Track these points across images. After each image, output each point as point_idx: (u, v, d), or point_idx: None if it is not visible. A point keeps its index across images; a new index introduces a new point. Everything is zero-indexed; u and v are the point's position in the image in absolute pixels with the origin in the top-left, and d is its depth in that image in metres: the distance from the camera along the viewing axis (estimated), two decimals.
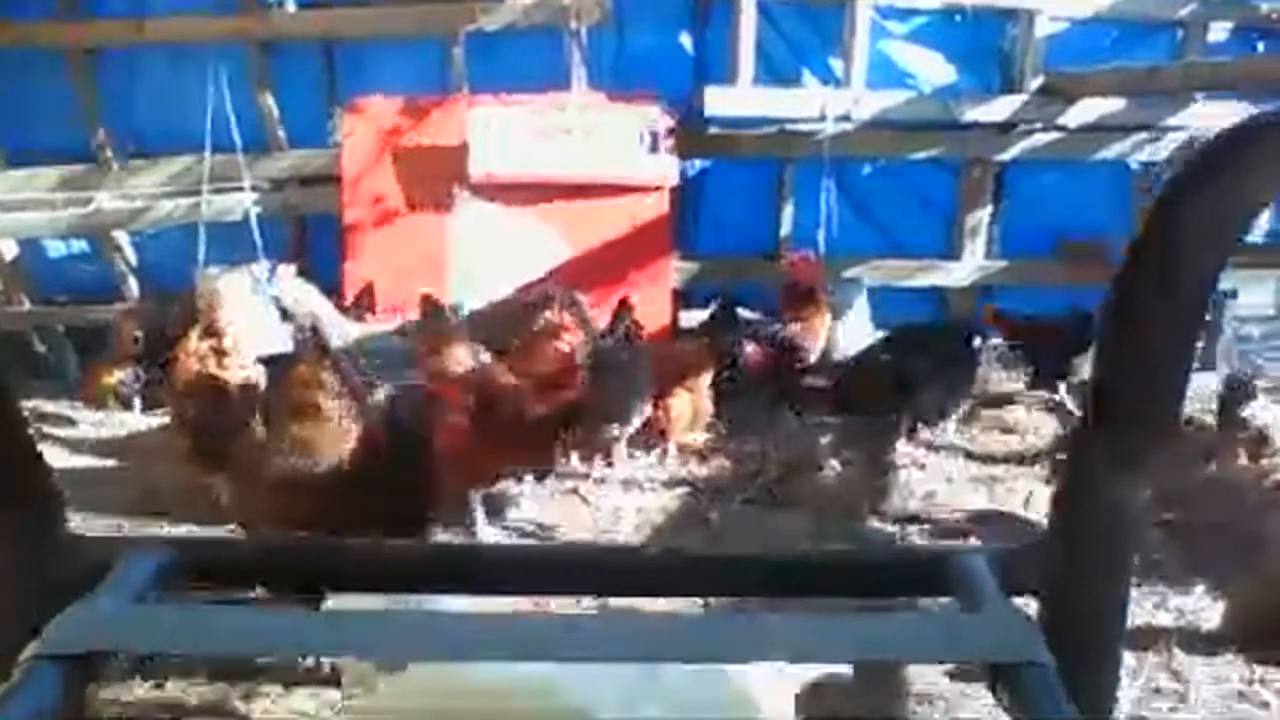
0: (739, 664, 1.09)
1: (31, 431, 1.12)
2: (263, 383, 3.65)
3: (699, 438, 3.75)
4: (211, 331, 3.51)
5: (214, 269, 4.49)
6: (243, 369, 3.56)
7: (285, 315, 4.52)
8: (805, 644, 1.01)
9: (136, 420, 4.27)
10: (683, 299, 4.71)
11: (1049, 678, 0.88)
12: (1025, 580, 1.06)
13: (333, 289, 4.53)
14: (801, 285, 4.16)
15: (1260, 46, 4.91)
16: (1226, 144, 0.88)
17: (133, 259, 4.95)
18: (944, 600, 1.10)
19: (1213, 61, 4.72)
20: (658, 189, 4.58)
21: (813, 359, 4.03)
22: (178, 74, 4.72)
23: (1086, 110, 4.63)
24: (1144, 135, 4.67)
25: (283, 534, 2.77)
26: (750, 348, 3.98)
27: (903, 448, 3.75)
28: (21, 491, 1.19)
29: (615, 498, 3.46)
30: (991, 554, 1.09)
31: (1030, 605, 1.02)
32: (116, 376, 4.40)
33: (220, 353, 3.50)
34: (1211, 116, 4.41)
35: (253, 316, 4.25)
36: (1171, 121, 4.64)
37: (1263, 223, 4.85)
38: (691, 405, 3.55)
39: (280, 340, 4.37)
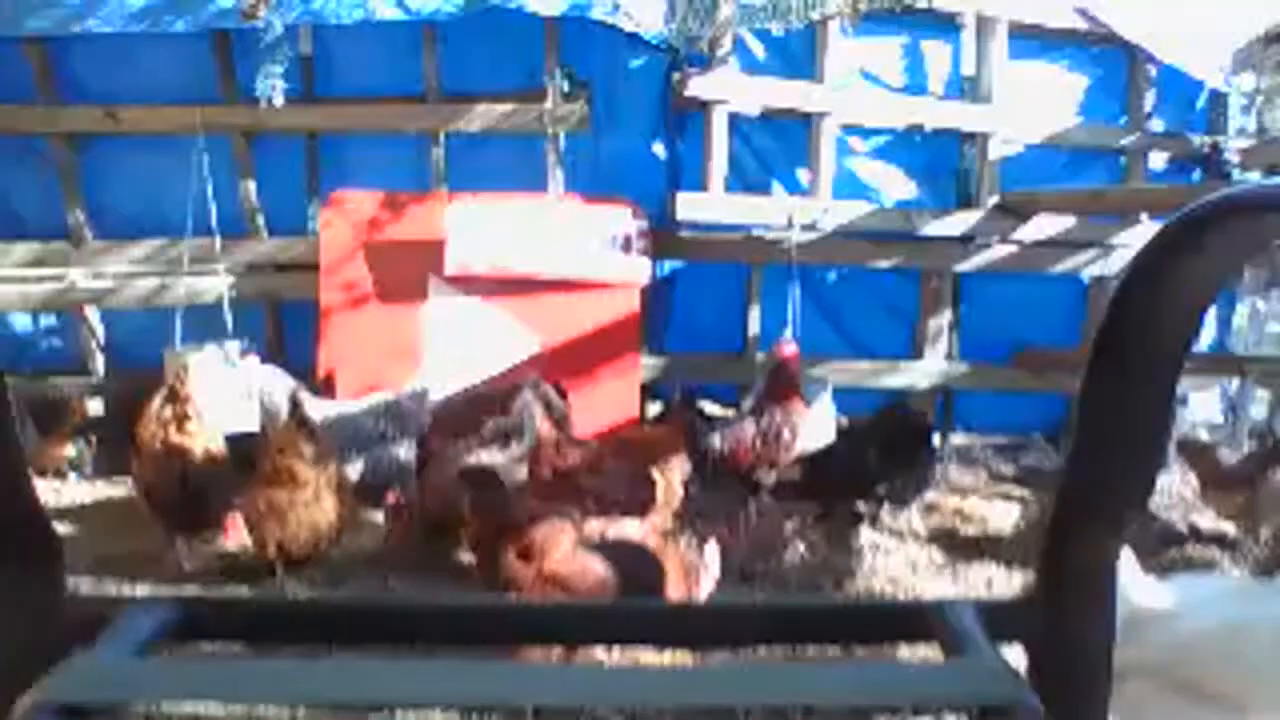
0: (738, 706, 1.10)
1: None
2: (225, 454, 3.65)
3: (666, 521, 3.75)
4: (175, 398, 3.54)
5: (183, 347, 4.51)
6: (206, 439, 3.56)
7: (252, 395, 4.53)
8: (799, 688, 1.06)
9: (93, 489, 4.20)
10: (649, 393, 4.77)
11: None
12: (1011, 629, 1.09)
13: (306, 372, 4.54)
14: (787, 373, 4.22)
15: (1195, 175, 5.23)
16: (1183, 227, 0.92)
17: (102, 336, 4.93)
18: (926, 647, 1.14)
19: (1153, 187, 5.04)
20: (629, 287, 4.70)
21: (795, 449, 4.08)
22: (160, 157, 4.76)
23: (1040, 227, 4.88)
24: (1094, 251, 4.91)
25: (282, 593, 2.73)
26: (733, 437, 4.02)
27: (867, 534, 3.79)
28: (24, 546, 1.21)
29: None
30: (977, 604, 1.13)
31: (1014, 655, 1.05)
32: (69, 450, 4.37)
33: (183, 418, 3.51)
34: None
35: (221, 394, 4.25)
36: (1120, 239, 4.89)
37: (1208, 336, 5.09)
38: (664, 487, 3.57)
39: (248, 419, 4.36)
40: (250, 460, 3.50)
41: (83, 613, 1.32)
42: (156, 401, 3.58)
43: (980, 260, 4.91)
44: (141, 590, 3.23)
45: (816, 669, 1.12)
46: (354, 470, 3.83)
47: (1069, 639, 1.09)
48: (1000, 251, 4.90)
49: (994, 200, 4.92)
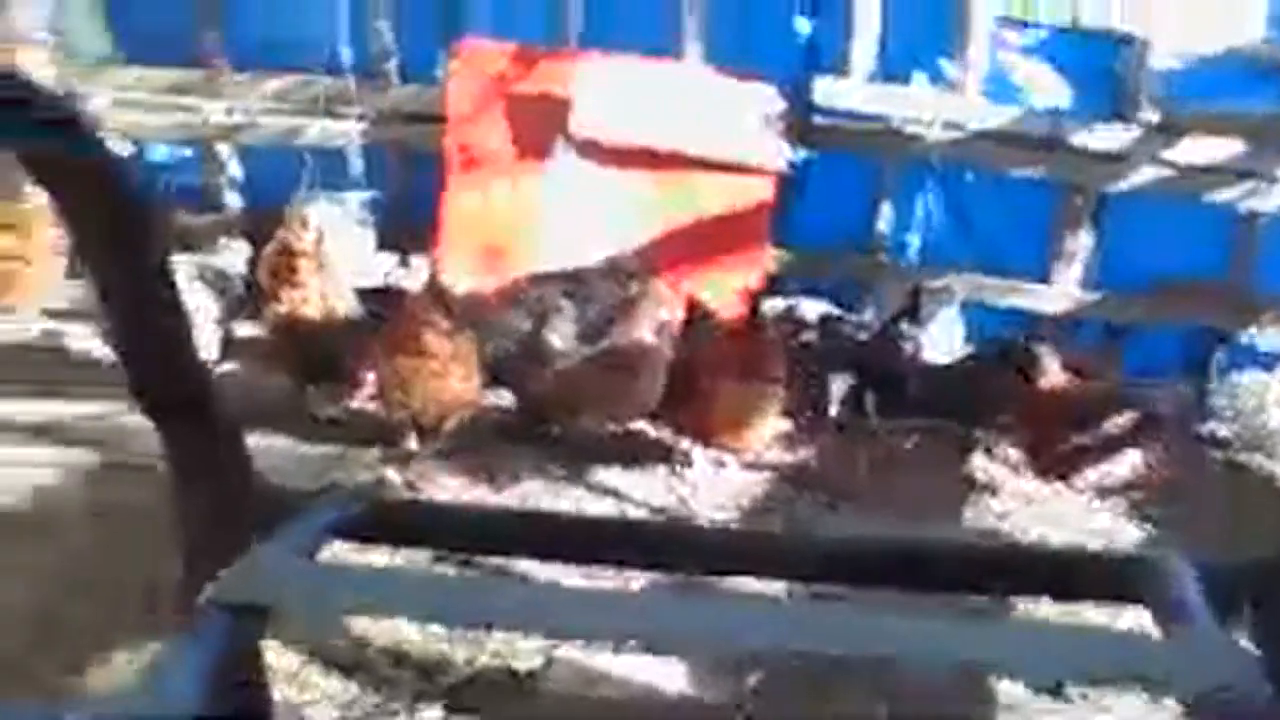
0: (930, 668, 1.02)
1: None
2: (352, 310, 3.72)
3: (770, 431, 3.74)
4: (288, 251, 3.57)
5: (310, 194, 4.56)
6: (326, 294, 3.62)
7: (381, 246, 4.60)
8: (984, 651, 0.98)
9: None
10: (770, 287, 4.70)
11: (1267, 714, 0.78)
12: (1238, 598, 0.97)
13: (428, 230, 4.56)
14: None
15: None
16: None
17: (234, 173, 5.01)
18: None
19: None
20: (765, 174, 4.57)
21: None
22: None
23: (1199, 150, 4.58)
24: (1254, 183, 4.62)
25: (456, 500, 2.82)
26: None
27: (979, 462, 3.77)
28: (210, 438, 1.24)
29: (697, 473, 3.51)
30: (1199, 563, 1.00)
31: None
32: None
33: (294, 272, 3.56)
34: None
35: (347, 245, 4.32)
36: None
37: None
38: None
39: (374, 273, 4.44)
40: (385, 318, 3.53)
41: (265, 502, 1.39)
42: (271, 251, 3.63)
43: (1131, 181, 4.65)
44: (269, 440, 3.37)
45: (1006, 631, 1.05)
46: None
47: None
48: (1153, 173, 4.62)
49: (1153, 116, 4.63)
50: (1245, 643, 0.88)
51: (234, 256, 4.43)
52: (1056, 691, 2.26)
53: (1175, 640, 0.90)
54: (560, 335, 3.92)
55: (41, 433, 3.34)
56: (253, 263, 4.08)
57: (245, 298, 4.23)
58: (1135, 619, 0.94)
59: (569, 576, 2.18)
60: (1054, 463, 3.57)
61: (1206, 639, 0.88)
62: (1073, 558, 1.30)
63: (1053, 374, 3.60)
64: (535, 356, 3.78)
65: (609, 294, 4.22)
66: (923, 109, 4.61)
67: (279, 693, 2.06)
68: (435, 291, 3.37)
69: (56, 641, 2.23)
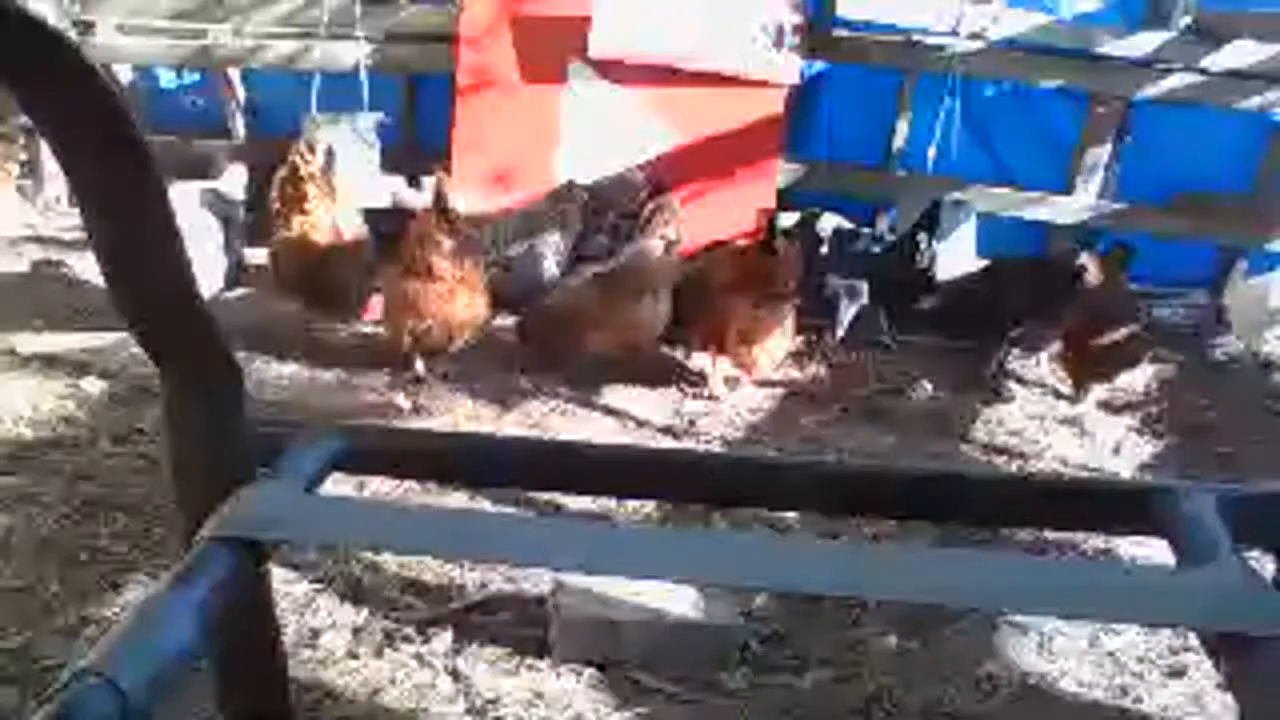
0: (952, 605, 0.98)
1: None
2: (361, 235, 3.69)
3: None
4: (296, 177, 3.53)
5: (320, 115, 4.51)
6: (335, 219, 3.57)
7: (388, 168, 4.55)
8: (991, 587, 0.95)
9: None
10: (785, 200, 4.62)
11: None
12: (1263, 533, 0.94)
13: (438, 154, 4.50)
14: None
15: None
16: None
17: (243, 97, 4.95)
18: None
19: None
20: (777, 86, 4.47)
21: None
22: None
23: (1236, 54, 4.40)
24: None
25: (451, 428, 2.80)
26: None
27: (992, 379, 3.73)
28: (207, 371, 1.22)
29: (708, 392, 3.50)
30: (1222, 496, 0.96)
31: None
32: None
33: (303, 198, 3.52)
34: None
35: (354, 167, 4.26)
36: None
37: None
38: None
39: (380, 193, 4.40)
40: (393, 240, 3.50)
41: (261, 437, 1.38)
42: (279, 177, 3.58)
43: (1161, 88, 4.49)
44: (278, 369, 3.38)
45: (1017, 566, 1.00)
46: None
47: None
48: (1184, 79, 4.46)
49: (1187, 19, 4.45)
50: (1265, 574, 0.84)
51: (240, 181, 4.40)
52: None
53: (1194, 573, 0.88)
54: (551, 257, 3.87)
55: (54, 362, 3.37)
56: (258, 188, 4.03)
57: (250, 223, 4.21)
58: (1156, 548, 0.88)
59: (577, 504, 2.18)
60: (1090, 364, 3.54)
61: (1230, 575, 0.85)
62: (1092, 488, 1.26)
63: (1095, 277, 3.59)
64: (530, 279, 3.74)
65: (619, 209, 4.18)
66: (949, 18, 4.46)
67: (290, 622, 2.09)
68: (440, 213, 3.33)
69: (77, 568, 2.26)
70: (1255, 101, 4.40)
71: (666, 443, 3.11)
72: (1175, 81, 4.46)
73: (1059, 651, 2.17)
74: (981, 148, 4.74)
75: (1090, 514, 1.11)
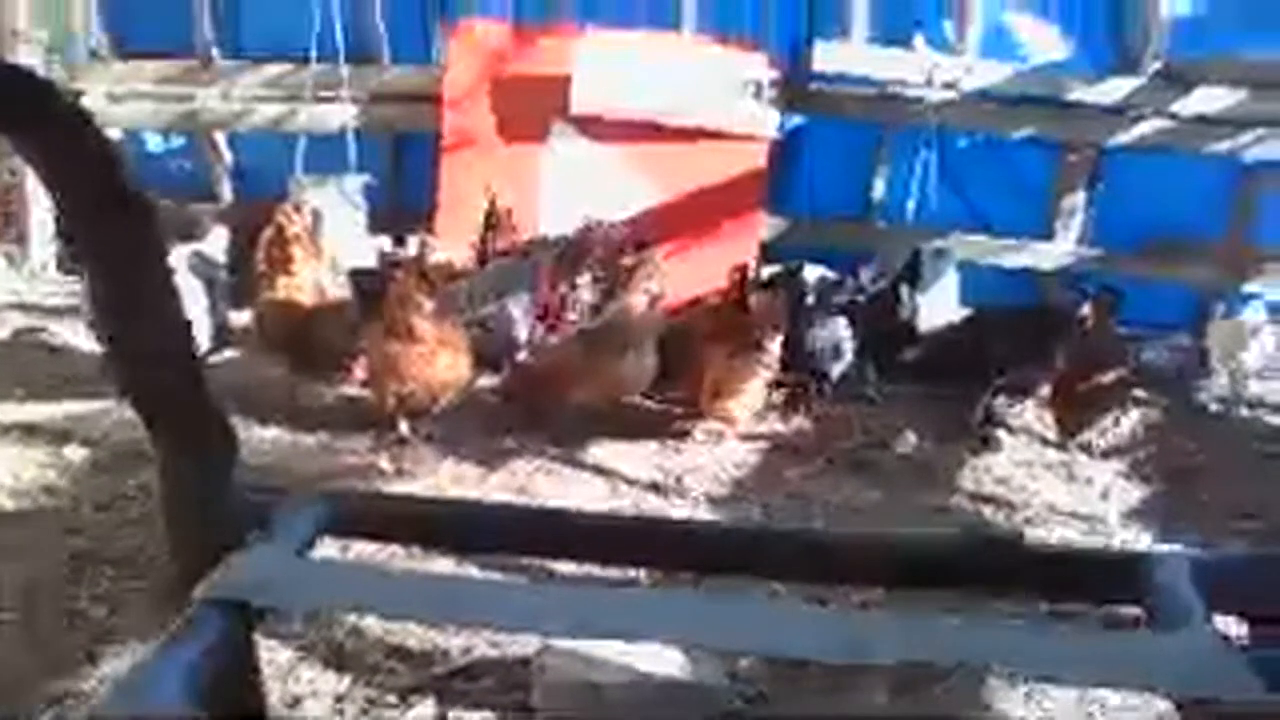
0: (926, 665, 1.01)
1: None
2: (345, 296, 3.70)
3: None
4: (281, 238, 3.55)
5: (306, 178, 4.55)
6: (319, 281, 3.60)
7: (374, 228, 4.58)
8: (968, 648, 0.97)
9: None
10: (766, 254, 4.66)
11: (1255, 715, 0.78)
12: (1236, 599, 0.97)
13: (422, 213, 4.53)
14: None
15: None
16: None
17: (229, 160, 4.99)
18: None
19: None
20: (757, 140, 4.53)
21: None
22: None
23: (1204, 99, 4.48)
24: (1260, 132, 4.52)
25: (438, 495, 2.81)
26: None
27: (979, 428, 3.74)
28: (204, 440, 1.23)
29: (693, 447, 3.49)
30: (1195, 561, 0.99)
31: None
32: None
33: (288, 260, 3.55)
34: None
35: (341, 228, 4.30)
36: None
37: None
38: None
39: (366, 254, 4.42)
40: (376, 298, 3.51)
41: (251, 504, 1.38)
42: (265, 239, 3.60)
43: (1131, 134, 4.56)
44: (259, 433, 3.37)
45: (998, 629, 1.03)
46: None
47: None
48: (1154, 125, 4.54)
49: (1156, 66, 4.53)
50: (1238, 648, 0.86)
51: (223, 244, 4.42)
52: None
53: (1167, 640, 0.91)
54: (522, 318, 3.89)
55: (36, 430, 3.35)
56: (241, 250, 4.06)
57: (234, 284, 4.22)
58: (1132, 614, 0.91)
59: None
60: (1078, 409, 3.57)
61: (1200, 642, 0.88)
62: (1070, 556, 1.30)
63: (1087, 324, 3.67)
64: (504, 338, 3.76)
65: (602, 267, 4.20)
66: (922, 71, 4.53)
67: (273, 689, 2.07)
68: (421, 275, 3.35)
69: (71, 617, 2.28)
70: (1225, 145, 4.47)
71: (653, 501, 3.11)
72: (1146, 128, 4.54)
73: (1047, 705, 2.15)
74: (958, 197, 4.80)
75: (1070, 582, 1.14)
